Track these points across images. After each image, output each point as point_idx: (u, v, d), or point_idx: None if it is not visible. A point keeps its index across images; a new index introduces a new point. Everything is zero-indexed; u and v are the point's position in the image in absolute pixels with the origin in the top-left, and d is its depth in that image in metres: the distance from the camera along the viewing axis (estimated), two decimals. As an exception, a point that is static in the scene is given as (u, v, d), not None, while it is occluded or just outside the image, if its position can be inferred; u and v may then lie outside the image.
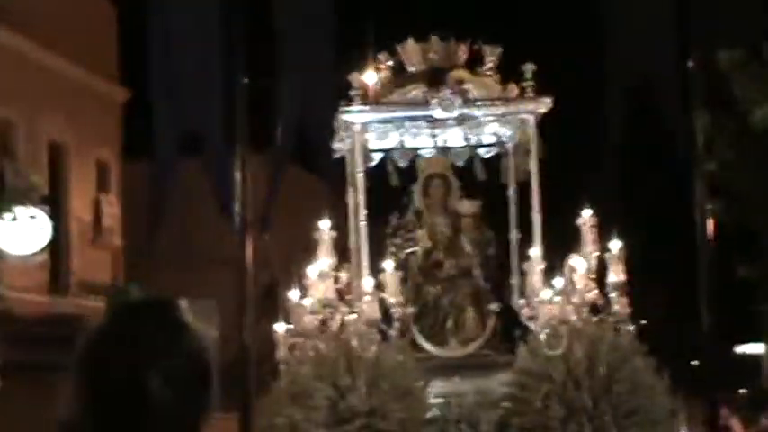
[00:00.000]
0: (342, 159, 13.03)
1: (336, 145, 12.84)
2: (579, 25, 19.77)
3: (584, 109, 17.98)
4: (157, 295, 2.82)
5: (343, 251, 12.45)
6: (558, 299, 11.33)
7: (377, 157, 12.72)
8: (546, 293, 11.36)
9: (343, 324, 11.41)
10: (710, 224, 15.85)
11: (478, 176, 12.80)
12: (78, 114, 23.88)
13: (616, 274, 11.46)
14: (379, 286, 11.51)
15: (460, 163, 12.93)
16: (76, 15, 23.98)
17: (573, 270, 11.52)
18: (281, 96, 17.95)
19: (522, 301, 11.87)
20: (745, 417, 15.70)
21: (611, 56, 17.48)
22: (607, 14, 18.05)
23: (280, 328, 12.63)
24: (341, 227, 12.47)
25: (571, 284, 11.46)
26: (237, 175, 15.92)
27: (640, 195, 17.15)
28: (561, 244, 12.01)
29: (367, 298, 11.25)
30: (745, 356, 27.90)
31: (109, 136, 25.57)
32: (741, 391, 24.19)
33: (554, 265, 11.59)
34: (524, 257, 11.99)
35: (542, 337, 11.25)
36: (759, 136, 15.99)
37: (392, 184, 12.80)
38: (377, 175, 12.69)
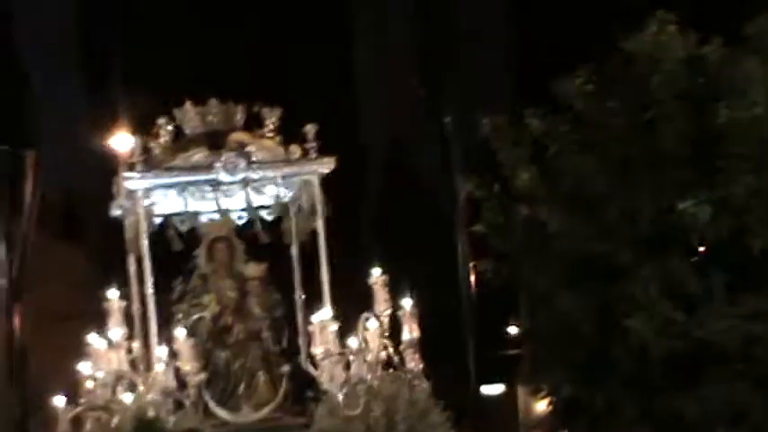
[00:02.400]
0: (115, 227, 12.25)
1: (115, 212, 12.04)
2: (335, 85, 19.46)
3: (352, 171, 17.66)
4: None
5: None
6: (352, 358, 10.84)
7: (156, 222, 12.01)
8: (339, 352, 10.87)
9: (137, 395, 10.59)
10: (474, 283, 15.82)
11: (261, 239, 12.23)
12: None
13: (410, 332, 11.08)
14: (171, 354, 10.77)
15: (242, 225, 12.33)
16: None
17: (365, 329, 11.06)
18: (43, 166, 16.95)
19: (313, 362, 11.31)
20: None
21: (369, 120, 17.25)
22: (361, 74, 17.84)
23: (59, 402, 11.67)
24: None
25: (365, 343, 10.99)
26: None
27: (412, 256, 16.97)
28: (347, 304, 11.54)
29: (161, 367, 10.49)
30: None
31: None
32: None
33: (346, 324, 11.11)
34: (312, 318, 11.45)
35: (339, 397, 10.71)
36: (523, 199, 15.90)
37: (174, 249, 12.08)
38: (155, 242, 11.97)
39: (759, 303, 15.22)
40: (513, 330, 21.72)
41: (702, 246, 15.77)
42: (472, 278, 16.08)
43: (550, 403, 18.74)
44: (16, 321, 18.24)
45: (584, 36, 16.91)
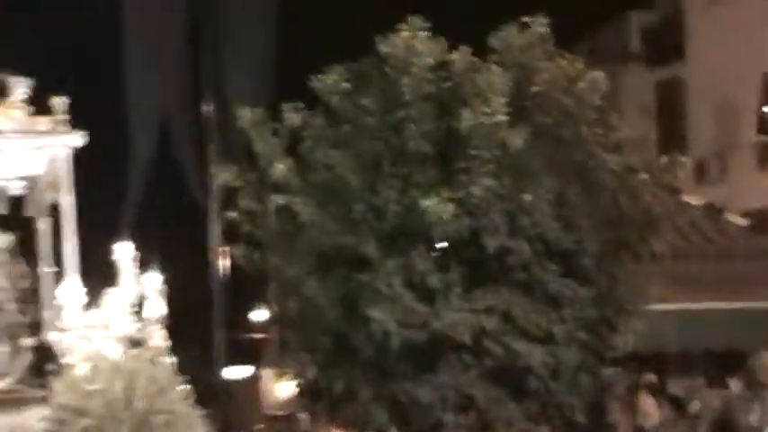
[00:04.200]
0: None
1: None
2: (102, 60, 18.63)
3: (114, 144, 16.96)
4: None
5: None
6: (96, 333, 10.24)
7: None
8: (83, 327, 10.25)
9: None
10: (228, 266, 15.37)
11: (2, 211, 11.48)
12: None
13: (155, 308, 10.52)
14: None
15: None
16: None
17: (111, 303, 10.46)
18: None
19: (56, 335, 10.66)
20: None
21: (130, 101, 16.58)
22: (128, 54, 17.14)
23: None
24: None
25: (109, 318, 10.39)
26: None
27: (166, 234, 16.37)
28: (98, 277, 10.94)
29: None
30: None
31: None
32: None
33: (92, 298, 10.49)
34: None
35: (81, 371, 10.10)
36: (278, 188, 15.54)
37: None
38: None
39: (490, 299, 15.30)
40: (260, 315, 21.41)
41: (443, 242, 15.75)
42: (223, 262, 15.60)
43: (297, 386, 18.49)
44: None
45: (343, 37, 16.71)
